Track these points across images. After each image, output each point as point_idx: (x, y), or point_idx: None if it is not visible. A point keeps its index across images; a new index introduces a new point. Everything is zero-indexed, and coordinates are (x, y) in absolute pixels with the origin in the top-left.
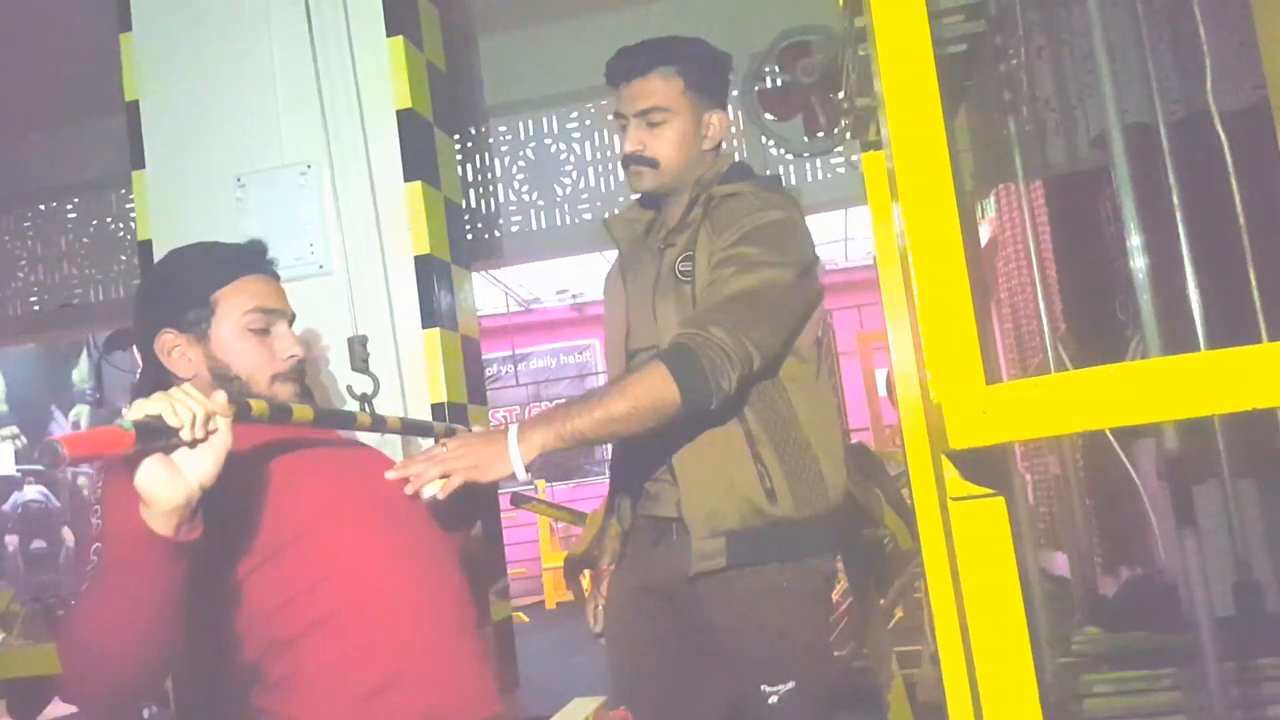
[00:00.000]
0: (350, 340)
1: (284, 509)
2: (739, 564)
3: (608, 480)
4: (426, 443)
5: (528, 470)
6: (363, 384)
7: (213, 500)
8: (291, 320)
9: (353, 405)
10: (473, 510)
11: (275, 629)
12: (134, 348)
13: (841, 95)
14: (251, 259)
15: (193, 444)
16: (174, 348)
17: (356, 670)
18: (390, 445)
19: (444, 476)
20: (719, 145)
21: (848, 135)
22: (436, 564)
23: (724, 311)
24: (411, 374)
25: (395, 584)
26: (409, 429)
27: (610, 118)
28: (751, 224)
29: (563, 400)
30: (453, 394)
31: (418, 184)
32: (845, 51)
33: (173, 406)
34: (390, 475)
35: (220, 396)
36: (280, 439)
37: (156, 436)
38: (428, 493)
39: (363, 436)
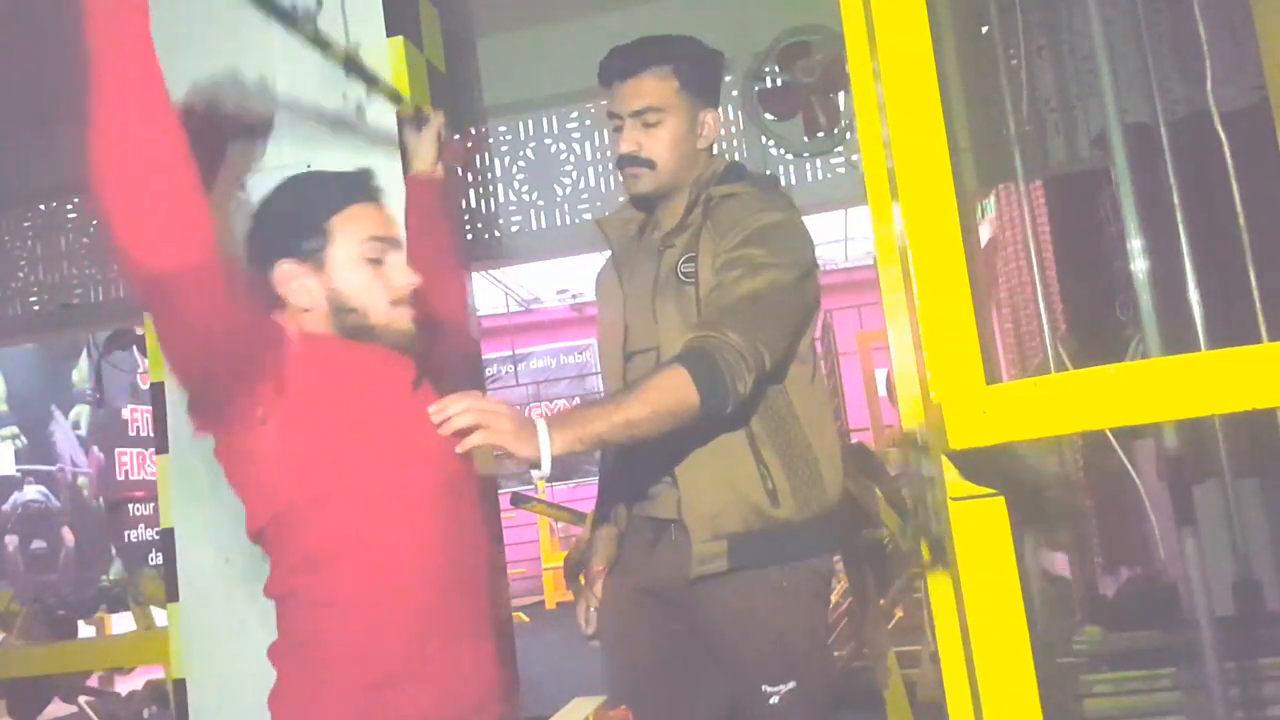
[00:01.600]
0: None
1: (336, 455)
2: (740, 567)
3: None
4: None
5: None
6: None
7: (283, 425)
8: (401, 249)
9: None
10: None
11: (299, 582)
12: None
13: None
14: (362, 186)
15: None
16: (293, 279)
17: (363, 661)
18: None
19: (474, 428)
20: (712, 145)
21: (851, 155)
22: (468, 555)
23: (736, 314)
24: None
25: (419, 574)
26: (354, 68)
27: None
28: (754, 225)
29: (577, 402)
30: None
31: None
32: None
33: None
34: (432, 410)
35: None
36: (364, 382)
37: None
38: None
39: None
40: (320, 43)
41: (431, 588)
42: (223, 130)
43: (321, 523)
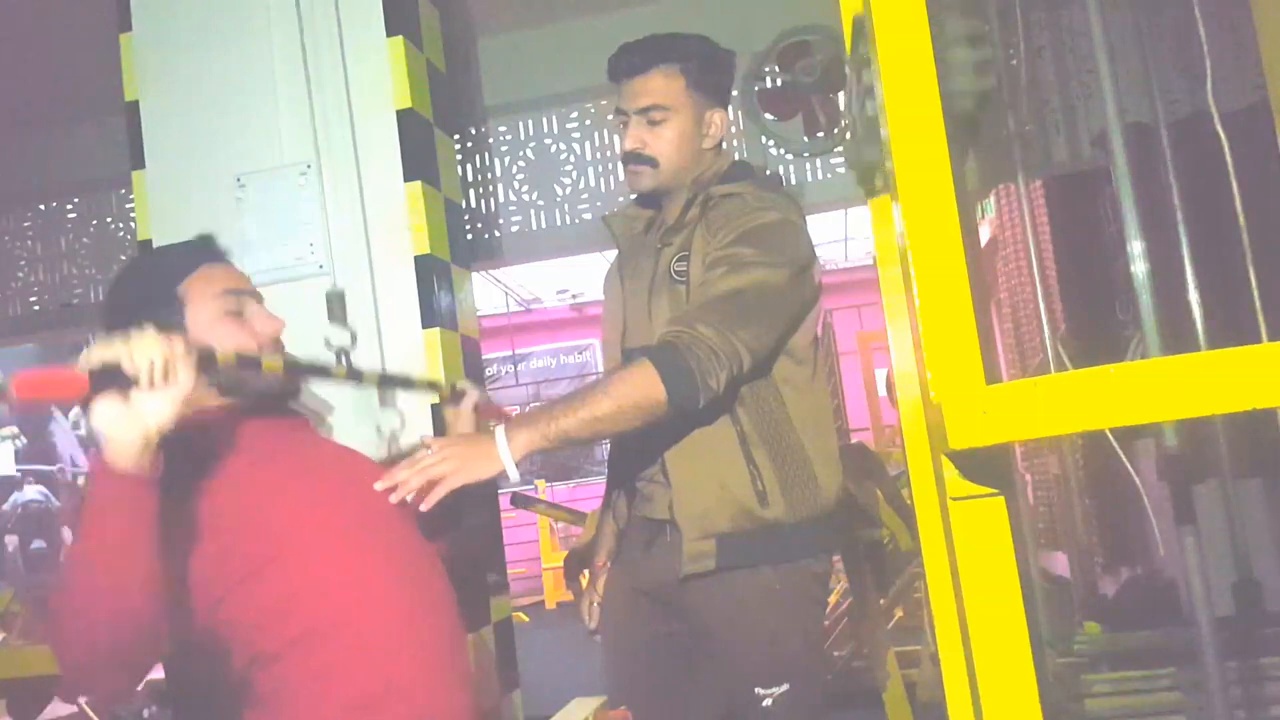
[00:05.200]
0: (328, 294)
1: (266, 522)
2: (729, 566)
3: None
4: (408, 405)
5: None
6: (340, 337)
7: (197, 512)
8: (261, 301)
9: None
10: (459, 512)
11: (258, 643)
12: None
13: (845, 129)
14: (204, 250)
15: (150, 389)
16: None
17: (337, 687)
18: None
19: (433, 481)
20: (719, 144)
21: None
22: (421, 576)
23: (713, 310)
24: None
25: (377, 599)
26: (388, 382)
27: (611, 115)
28: (746, 225)
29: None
30: None
31: (418, 184)
32: (850, 101)
33: (131, 354)
34: (378, 487)
35: (179, 344)
36: (264, 448)
37: (112, 383)
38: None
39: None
40: (354, 375)
41: (389, 617)
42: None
43: (268, 581)
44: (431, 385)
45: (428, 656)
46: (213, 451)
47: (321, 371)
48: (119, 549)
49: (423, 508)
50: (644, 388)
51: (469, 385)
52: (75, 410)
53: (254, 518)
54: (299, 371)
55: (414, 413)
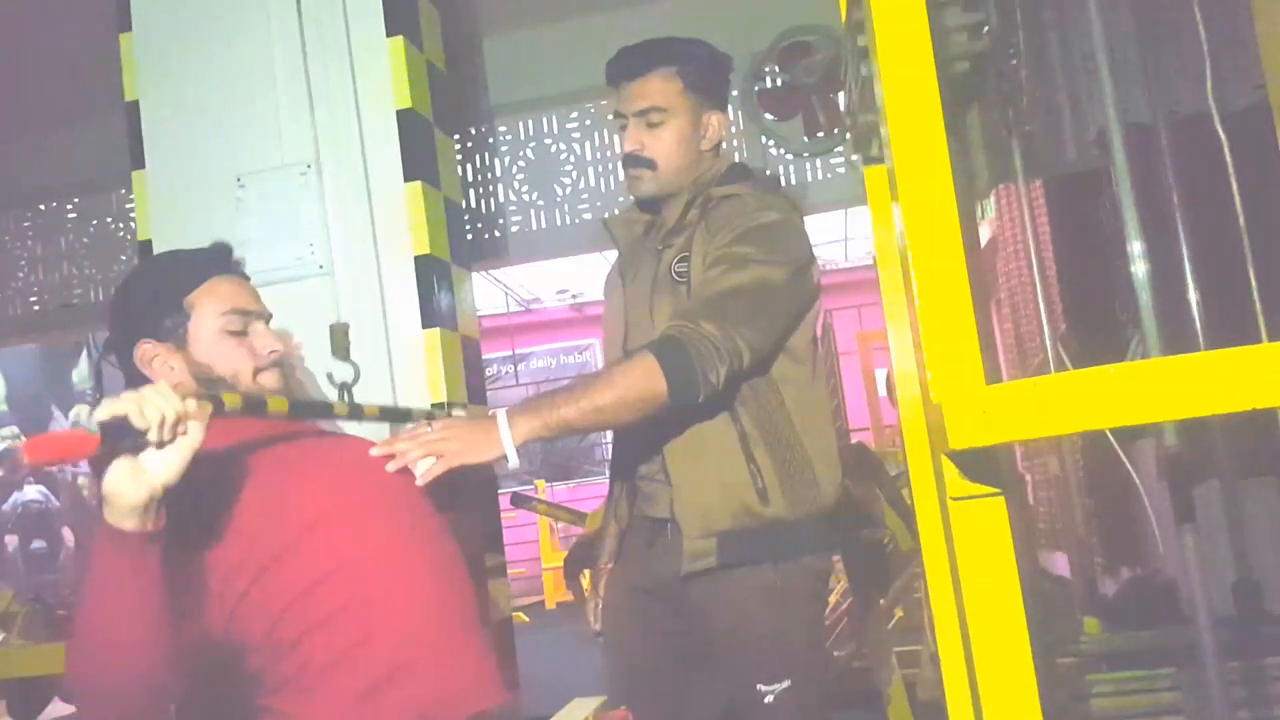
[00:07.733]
0: (332, 327)
1: (280, 513)
2: (730, 564)
3: (608, 479)
4: (361, 355)
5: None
6: (343, 372)
7: (209, 510)
8: (268, 320)
9: (332, 394)
10: (463, 496)
11: (278, 632)
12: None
13: (844, 109)
14: (218, 261)
15: (160, 445)
16: (154, 357)
17: (359, 666)
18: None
19: (428, 457)
20: (718, 146)
21: (851, 155)
22: (437, 554)
23: (714, 307)
24: (411, 374)
25: (395, 577)
26: (388, 416)
27: (610, 117)
28: (746, 225)
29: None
30: (452, 394)
31: (418, 184)
32: (847, 66)
33: (140, 408)
34: (374, 453)
35: (191, 402)
36: (269, 438)
37: (123, 438)
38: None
39: (351, 428)
40: (355, 412)
41: (400, 594)
42: None
43: (287, 570)
44: (429, 416)
45: (442, 635)
46: (223, 453)
47: (323, 409)
48: (127, 615)
49: (419, 481)
50: (646, 380)
51: (463, 410)
52: (75, 410)
53: (269, 509)
54: (302, 412)
55: (370, 363)
